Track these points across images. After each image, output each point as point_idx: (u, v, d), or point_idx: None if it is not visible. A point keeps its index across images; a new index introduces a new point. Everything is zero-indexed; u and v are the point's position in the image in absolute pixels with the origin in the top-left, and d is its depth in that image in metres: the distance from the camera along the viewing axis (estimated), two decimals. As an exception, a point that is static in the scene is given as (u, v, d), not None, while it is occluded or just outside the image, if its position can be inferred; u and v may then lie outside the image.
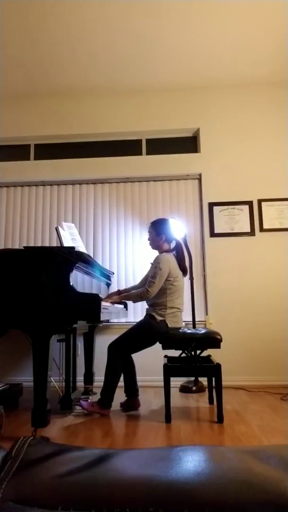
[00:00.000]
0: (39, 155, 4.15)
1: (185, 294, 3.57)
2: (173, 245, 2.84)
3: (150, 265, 2.72)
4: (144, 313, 2.75)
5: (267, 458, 0.36)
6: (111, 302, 2.73)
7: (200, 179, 3.89)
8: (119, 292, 2.96)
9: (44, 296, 2.12)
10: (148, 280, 2.63)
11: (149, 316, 2.64)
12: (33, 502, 0.32)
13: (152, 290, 2.57)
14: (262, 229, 3.71)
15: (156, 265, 2.61)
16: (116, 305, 2.96)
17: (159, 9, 2.99)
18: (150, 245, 2.84)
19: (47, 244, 3.90)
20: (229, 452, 0.38)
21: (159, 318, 2.59)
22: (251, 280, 3.64)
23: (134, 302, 2.76)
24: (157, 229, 2.77)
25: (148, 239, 2.84)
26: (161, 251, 2.77)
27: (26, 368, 3.61)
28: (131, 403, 2.71)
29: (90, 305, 2.12)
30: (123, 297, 2.76)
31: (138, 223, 3.87)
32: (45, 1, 2.90)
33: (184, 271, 2.75)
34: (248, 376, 3.48)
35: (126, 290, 2.96)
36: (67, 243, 2.65)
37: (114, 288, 3.71)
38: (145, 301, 2.75)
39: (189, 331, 2.67)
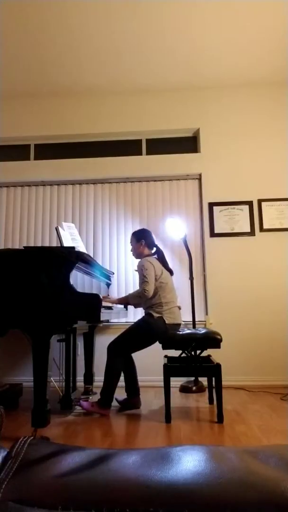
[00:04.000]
0: (39, 155, 4.15)
1: (185, 294, 3.59)
2: (154, 251, 2.92)
3: (136, 272, 2.81)
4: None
5: (267, 458, 0.36)
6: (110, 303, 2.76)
7: (200, 179, 3.89)
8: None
9: (44, 296, 2.12)
10: (140, 282, 2.68)
11: (147, 314, 2.68)
12: (33, 502, 0.32)
13: (148, 288, 2.62)
14: (262, 229, 3.71)
15: (141, 268, 2.69)
16: (117, 305, 2.97)
17: (159, 9, 2.99)
18: (133, 255, 2.94)
19: (47, 244, 3.90)
20: (229, 452, 0.38)
21: (156, 315, 2.62)
22: (251, 280, 3.64)
23: (132, 303, 2.79)
24: (137, 236, 2.88)
25: (131, 250, 2.94)
26: (143, 257, 2.81)
27: (26, 368, 3.60)
28: (132, 402, 2.72)
29: (90, 305, 2.12)
30: (122, 299, 2.79)
31: (138, 223, 3.86)
32: (46, 1, 2.90)
33: (170, 272, 2.84)
34: (248, 376, 3.48)
35: None
36: (67, 243, 2.65)
37: (114, 288, 3.72)
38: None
39: (189, 331, 2.67)
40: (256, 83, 3.96)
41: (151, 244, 2.88)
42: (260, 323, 3.57)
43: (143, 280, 2.64)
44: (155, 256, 2.86)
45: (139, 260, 2.80)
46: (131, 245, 2.91)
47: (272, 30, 3.22)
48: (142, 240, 2.84)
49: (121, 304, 2.88)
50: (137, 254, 2.87)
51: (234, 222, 3.75)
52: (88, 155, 4.06)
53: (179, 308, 2.79)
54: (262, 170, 3.82)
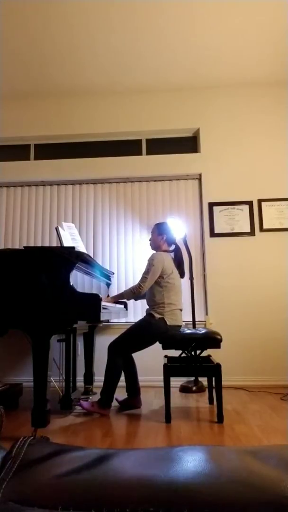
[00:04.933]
0: (39, 155, 4.15)
1: (185, 294, 3.59)
2: (172, 248, 2.89)
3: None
4: (145, 313, 2.76)
5: (267, 458, 0.36)
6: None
7: (200, 179, 3.89)
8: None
9: (44, 296, 2.12)
10: (142, 276, 2.67)
11: (148, 315, 2.67)
12: (33, 502, 0.32)
13: (144, 285, 2.62)
14: (262, 229, 3.71)
15: (150, 262, 2.67)
16: (117, 305, 2.96)
17: (160, 10, 2.99)
18: (150, 245, 2.91)
19: (47, 244, 3.90)
20: (229, 452, 0.38)
21: (157, 316, 2.61)
22: (251, 280, 3.64)
23: (128, 299, 2.79)
24: (160, 229, 2.85)
25: (150, 240, 2.91)
26: (159, 251, 2.79)
27: (26, 368, 3.60)
28: (131, 402, 2.72)
29: (90, 305, 2.12)
30: (117, 296, 2.79)
31: (138, 223, 3.87)
32: (46, 1, 2.90)
33: (181, 274, 2.81)
34: (248, 376, 3.48)
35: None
36: (67, 243, 2.65)
37: (114, 288, 3.72)
38: (145, 301, 2.78)
39: (189, 331, 2.67)
40: (256, 83, 3.96)
41: (171, 241, 2.86)
42: (260, 323, 3.57)
43: (144, 276, 2.64)
44: (172, 254, 2.84)
45: (153, 252, 2.78)
46: (152, 235, 2.88)
47: (272, 30, 3.22)
48: (164, 234, 2.82)
49: (117, 300, 2.85)
50: (155, 246, 2.85)
51: (234, 222, 3.75)
52: (88, 155, 4.06)
53: (180, 310, 2.77)
54: (262, 170, 3.82)
